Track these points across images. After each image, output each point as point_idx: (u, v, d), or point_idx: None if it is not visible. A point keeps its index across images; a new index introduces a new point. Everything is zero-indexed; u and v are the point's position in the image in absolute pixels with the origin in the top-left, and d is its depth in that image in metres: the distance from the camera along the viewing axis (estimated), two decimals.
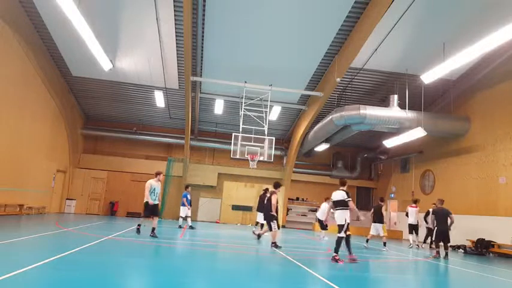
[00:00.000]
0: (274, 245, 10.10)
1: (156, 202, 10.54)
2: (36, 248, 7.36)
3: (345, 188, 8.65)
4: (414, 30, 12.93)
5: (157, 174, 10.77)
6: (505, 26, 8.87)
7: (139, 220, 11.26)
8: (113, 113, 21.14)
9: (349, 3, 11.71)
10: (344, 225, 8.26)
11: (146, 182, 10.57)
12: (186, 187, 15.57)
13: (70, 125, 19.42)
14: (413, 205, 14.71)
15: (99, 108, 20.72)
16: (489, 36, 9.41)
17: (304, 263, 7.74)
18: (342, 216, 8.34)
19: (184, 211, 14.87)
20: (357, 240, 16.82)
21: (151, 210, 10.46)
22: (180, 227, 14.68)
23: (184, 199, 14.94)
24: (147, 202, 10.40)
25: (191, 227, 14.69)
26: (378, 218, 12.59)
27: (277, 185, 11.09)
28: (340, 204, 8.46)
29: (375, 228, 12.56)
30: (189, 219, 14.91)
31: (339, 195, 8.54)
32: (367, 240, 12.69)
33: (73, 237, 9.44)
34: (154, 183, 10.54)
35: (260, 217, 13.07)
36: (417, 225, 14.48)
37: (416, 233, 14.46)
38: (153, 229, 10.28)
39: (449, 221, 10.83)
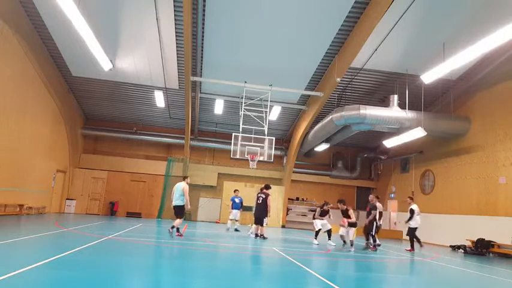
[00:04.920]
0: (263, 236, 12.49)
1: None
2: (36, 248, 7.36)
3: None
4: (414, 30, 12.93)
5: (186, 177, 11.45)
6: (505, 26, 8.86)
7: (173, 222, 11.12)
8: (113, 113, 21.14)
9: (349, 3, 11.72)
10: None
11: (185, 186, 10.89)
12: (235, 191, 16.06)
13: (70, 125, 19.42)
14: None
15: (99, 108, 20.72)
16: (489, 36, 9.41)
17: (304, 263, 7.74)
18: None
19: (237, 214, 15.34)
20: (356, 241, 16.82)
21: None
22: (228, 229, 15.26)
23: (232, 202, 15.61)
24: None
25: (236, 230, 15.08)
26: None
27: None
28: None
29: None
30: (237, 223, 15.35)
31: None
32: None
33: (73, 237, 9.44)
34: None
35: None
36: (376, 223, 11.87)
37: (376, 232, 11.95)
38: (178, 229, 11.07)
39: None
